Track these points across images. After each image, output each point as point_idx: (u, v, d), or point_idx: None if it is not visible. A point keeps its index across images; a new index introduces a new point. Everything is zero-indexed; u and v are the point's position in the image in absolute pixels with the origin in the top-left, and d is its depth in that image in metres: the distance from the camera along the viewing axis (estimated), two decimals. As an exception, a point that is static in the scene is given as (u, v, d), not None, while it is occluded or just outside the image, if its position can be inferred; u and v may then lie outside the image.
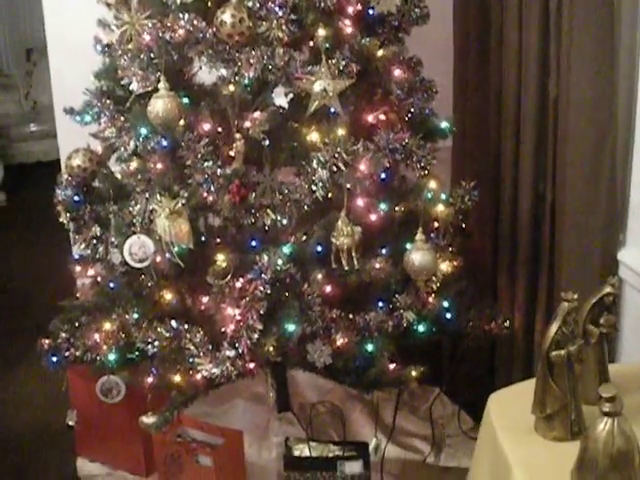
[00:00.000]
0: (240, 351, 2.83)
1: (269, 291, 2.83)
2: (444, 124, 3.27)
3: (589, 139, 3.04)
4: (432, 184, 3.16)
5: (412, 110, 3.17)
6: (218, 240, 3.15)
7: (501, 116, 3.60)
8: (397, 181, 3.22)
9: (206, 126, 2.93)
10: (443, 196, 3.23)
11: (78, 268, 3.42)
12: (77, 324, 3.32)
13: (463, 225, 3.31)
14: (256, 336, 2.82)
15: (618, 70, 2.99)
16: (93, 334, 3.19)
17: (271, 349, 2.91)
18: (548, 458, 2.18)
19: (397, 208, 3.19)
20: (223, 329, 2.87)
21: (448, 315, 3.23)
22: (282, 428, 3.67)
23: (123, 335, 3.15)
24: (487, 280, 3.79)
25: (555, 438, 2.23)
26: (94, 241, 3.20)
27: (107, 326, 3.17)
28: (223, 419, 3.81)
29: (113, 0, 3.14)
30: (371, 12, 3.10)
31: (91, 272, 3.38)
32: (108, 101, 3.13)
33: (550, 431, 2.24)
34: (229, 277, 2.93)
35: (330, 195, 2.87)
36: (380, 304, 3.10)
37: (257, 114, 2.90)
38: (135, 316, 3.13)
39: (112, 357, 3.19)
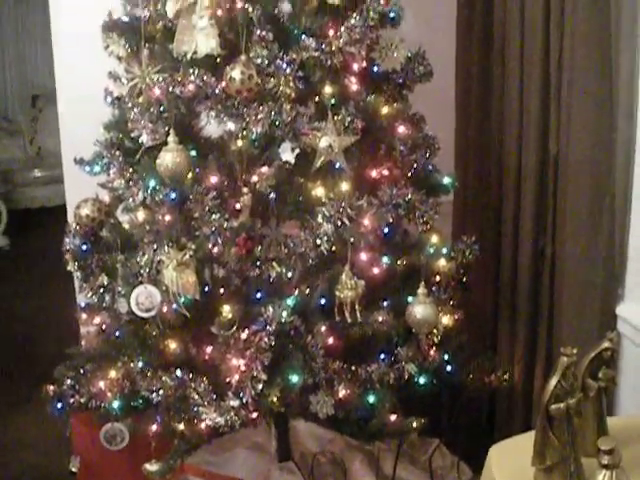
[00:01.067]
0: (244, 401, 2.86)
1: (273, 342, 2.86)
2: (446, 180, 3.30)
3: (588, 195, 3.10)
4: (434, 238, 3.19)
5: (415, 166, 3.18)
6: (222, 291, 3.16)
7: (502, 172, 3.66)
8: (400, 235, 3.23)
9: (213, 179, 2.96)
10: (444, 250, 3.23)
11: (84, 316, 3.42)
12: (82, 371, 3.32)
13: (464, 279, 3.33)
14: (260, 386, 2.85)
15: (617, 128, 3.05)
16: (98, 381, 3.19)
17: (275, 399, 2.93)
18: (548, 510, 2.20)
19: (399, 262, 3.19)
20: (228, 379, 2.89)
21: (449, 368, 3.25)
22: (283, 477, 3.66)
23: (128, 383, 3.15)
24: (487, 333, 3.82)
25: (555, 490, 2.25)
26: (101, 290, 3.21)
27: (112, 374, 3.18)
28: (224, 468, 3.79)
29: (124, 53, 3.17)
30: (376, 69, 3.17)
31: (97, 320, 3.38)
32: (117, 152, 3.14)
33: (550, 483, 2.26)
34: (234, 328, 2.96)
35: (334, 249, 2.89)
36: (382, 356, 3.11)
37: (264, 169, 2.94)
38: (140, 364, 3.14)
39: (116, 404, 3.20)
